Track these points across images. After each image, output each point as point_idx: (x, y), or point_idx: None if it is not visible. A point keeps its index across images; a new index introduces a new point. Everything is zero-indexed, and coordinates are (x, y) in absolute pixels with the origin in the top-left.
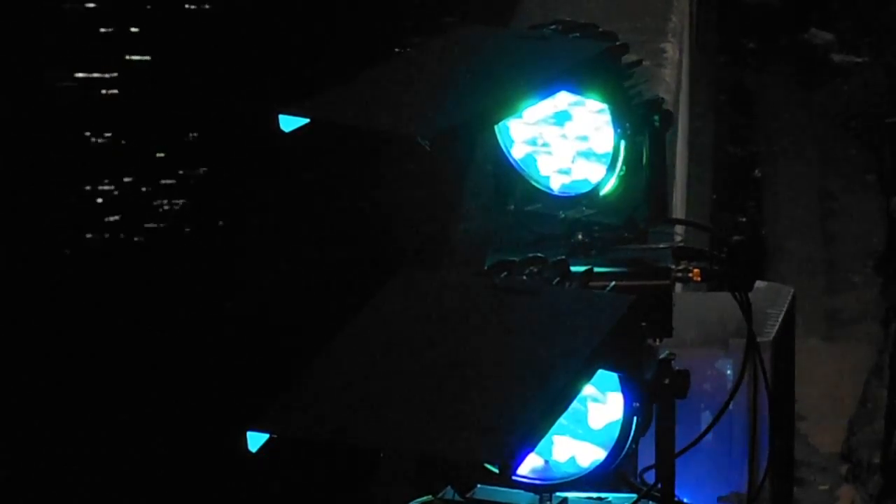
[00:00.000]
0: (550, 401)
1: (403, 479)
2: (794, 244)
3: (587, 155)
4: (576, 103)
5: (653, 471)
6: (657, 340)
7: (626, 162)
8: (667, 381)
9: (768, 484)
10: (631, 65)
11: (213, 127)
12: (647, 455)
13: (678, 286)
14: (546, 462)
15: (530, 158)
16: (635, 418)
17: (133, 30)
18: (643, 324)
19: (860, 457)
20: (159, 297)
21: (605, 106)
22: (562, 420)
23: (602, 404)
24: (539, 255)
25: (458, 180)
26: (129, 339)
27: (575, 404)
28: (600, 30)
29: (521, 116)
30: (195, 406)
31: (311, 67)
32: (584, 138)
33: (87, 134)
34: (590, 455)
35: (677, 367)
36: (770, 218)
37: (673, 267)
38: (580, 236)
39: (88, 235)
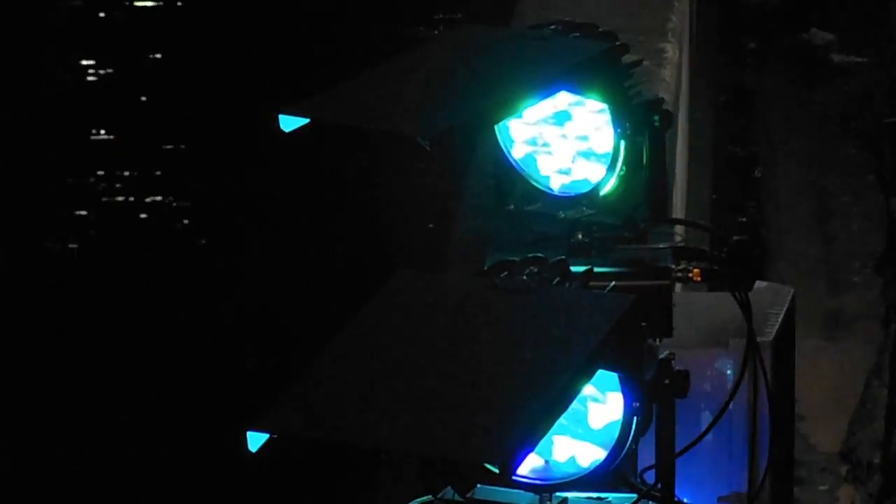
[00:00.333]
0: (550, 401)
1: (403, 479)
2: (794, 244)
3: (587, 155)
4: (576, 103)
5: (653, 471)
6: (657, 340)
7: (626, 162)
8: (667, 381)
9: (768, 484)
10: (631, 65)
11: (213, 127)
12: (647, 455)
13: (678, 286)
14: (546, 462)
15: (530, 158)
16: (635, 418)
17: (133, 30)
18: (643, 324)
19: (860, 457)
20: (159, 297)
21: (605, 106)
22: (562, 420)
23: (602, 404)
24: (539, 255)
25: (458, 180)
26: (129, 339)
27: (575, 404)
28: (600, 30)
29: (521, 116)
30: (195, 406)
31: (311, 67)
32: (584, 138)
33: (88, 133)
34: (590, 455)
35: (677, 367)
36: (770, 218)
37: (673, 267)
38: (580, 236)
39: (88, 235)
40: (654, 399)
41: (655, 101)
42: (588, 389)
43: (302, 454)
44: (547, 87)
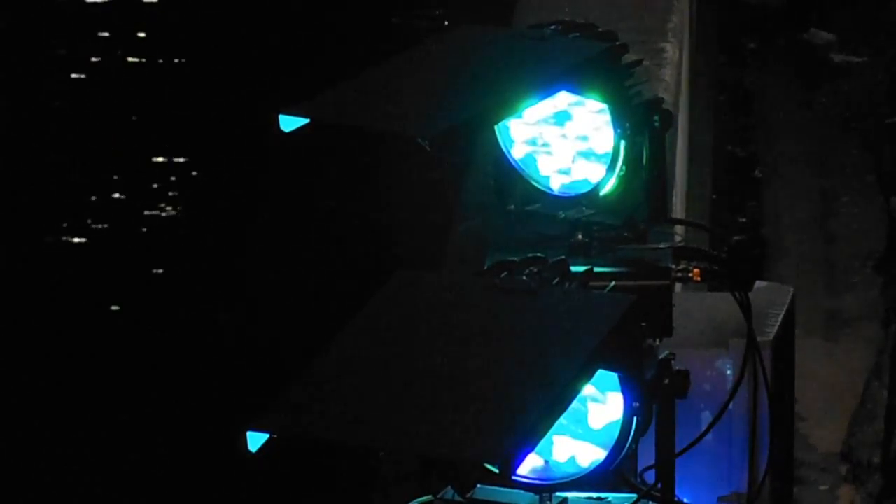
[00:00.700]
0: (550, 401)
1: (404, 478)
2: (794, 244)
3: (587, 155)
4: (576, 103)
5: (653, 471)
6: (657, 340)
7: (626, 162)
8: (667, 381)
9: (768, 484)
10: (631, 65)
11: (213, 127)
12: (647, 455)
13: (678, 286)
14: (546, 462)
15: (530, 158)
16: (635, 418)
17: (133, 29)
18: (643, 324)
19: (860, 457)
20: (159, 297)
21: (605, 106)
22: (562, 420)
23: (602, 404)
24: (539, 255)
25: (458, 180)
26: (129, 339)
27: (575, 404)
28: (600, 30)
29: (521, 116)
30: (195, 406)
31: (311, 67)
32: (584, 138)
33: (88, 133)
34: (590, 455)
35: (677, 367)
36: (770, 218)
37: (673, 267)
38: (580, 236)
39: (89, 235)
40: (654, 399)
41: (655, 101)
42: (588, 389)
43: (302, 454)
44: (547, 87)
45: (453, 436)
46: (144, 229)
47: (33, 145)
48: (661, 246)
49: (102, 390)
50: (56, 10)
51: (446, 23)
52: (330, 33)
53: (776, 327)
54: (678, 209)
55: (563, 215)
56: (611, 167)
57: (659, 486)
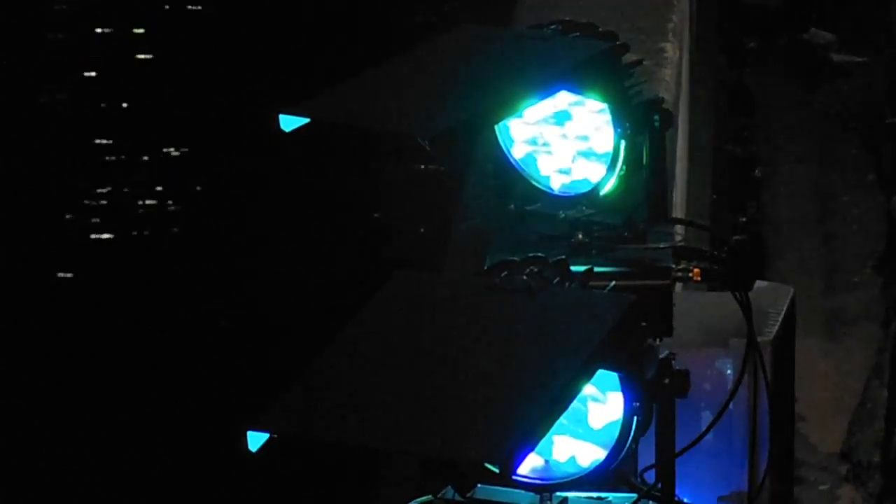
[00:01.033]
0: (550, 401)
1: (404, 478)
2: (794, 244)
3: (587, 155)
4: (576, 103)
5: (653, 471)
6: (657, 340)
7: (626, 162)
8: (667, 381)
9: (768, 484)
10: (631, 64)
11: (213, 127)
12: (647, 455)
13: (678, 286)
14: (546, 462)
15: (530, 158)
16: (635, 418)
17: (133, 29)
18: (643, 324)
19: (860, 457)
20: (159, 297)
21: (605, 106)
22: (562, 420)
23: (602, 404)
24: (539, 255)
25: (458, 180)
26: (129, 339)
27: (575, 404)
28: (600, 30)
29: (521, 116)
30: (195, 406)
31: (311, 67)
32: (584, 138)
33: (88, 134)
34: (590, 455)
35: (677, 367)
36: (770, 218)
37: (673, 267)
38: (580, 236)
39: (89, 236)
40: (654, 399)
41: (655, 101)
42: (588, 389)
43: (302, 454)
44: (547, 87)
45: (453, 436)
46: (144, 229)
47: (33, 145)
48: (661, 246)
49: (102, 390)
50: (56, 9)
51: (446, 22)
52: (330, 33)
53: (776, 327)
54: (678, 209)
55: (563, 215)
56: (611, 167)
57: (659, 485)
